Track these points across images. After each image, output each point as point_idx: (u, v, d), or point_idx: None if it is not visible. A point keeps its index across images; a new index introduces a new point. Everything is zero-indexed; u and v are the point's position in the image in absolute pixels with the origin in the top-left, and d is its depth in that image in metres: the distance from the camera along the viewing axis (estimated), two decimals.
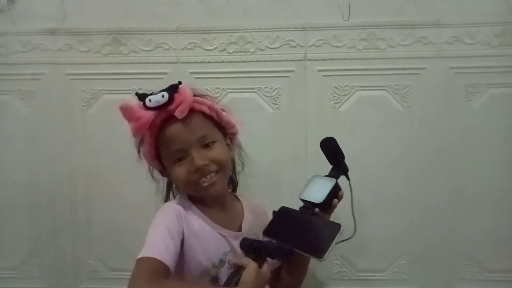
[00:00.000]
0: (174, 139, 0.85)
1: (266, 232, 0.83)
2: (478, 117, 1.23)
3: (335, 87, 1.24)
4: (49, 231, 1.33)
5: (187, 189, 0.91)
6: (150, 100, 0.82)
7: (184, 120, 0.84)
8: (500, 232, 1.24)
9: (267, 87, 1.26)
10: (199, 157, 0.85)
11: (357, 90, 1.24)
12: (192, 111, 0.85)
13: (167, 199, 1.04)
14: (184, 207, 0.90)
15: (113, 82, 1.29)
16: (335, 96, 1.25)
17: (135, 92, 0.88)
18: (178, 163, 0.86)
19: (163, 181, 1.05)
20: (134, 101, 0.85)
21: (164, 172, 0.95)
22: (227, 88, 1.25)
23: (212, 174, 0.87)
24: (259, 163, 1.25)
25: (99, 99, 1.29)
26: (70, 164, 1.31)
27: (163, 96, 0.82)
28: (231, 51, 1.26)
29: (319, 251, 0.76)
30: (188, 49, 1.26)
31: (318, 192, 0.90)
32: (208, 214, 0.91)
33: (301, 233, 0.82)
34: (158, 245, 0.80)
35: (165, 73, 1.27)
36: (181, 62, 1.27)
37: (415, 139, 1.24)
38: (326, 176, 0.95)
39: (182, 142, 0.85)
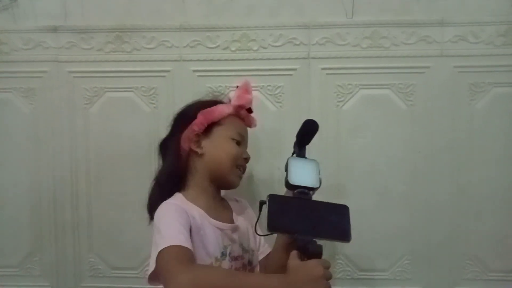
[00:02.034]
0: (243, 128, 1.05)
1: (272, 226, 0.76)
2: (482, 116, 1.22)
3: (339, 85, 1.24)
4: (50, 229, 1.32)
5: (225, 163, 0.97)
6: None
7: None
8: (503, 232, 1.24)
9: (270, 86, 1.25)
10: (247, 153, 1.04)
11: (361, 88, 1.24)
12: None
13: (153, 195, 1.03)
14: (183, 204, 0.92)
15: (116, 79, 1.28)
16: (338, 95, 1.24)
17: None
18: (235, 143, 0.99)
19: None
20: None
21: (197, 137, 0.98)
22: (230, 86, 1.24)
23: (243, 173, 1.03)
24: (262, 161, 1.25)
25: (101, 96, 1.29)
26: (72, 162, 1.31)
27: None
28: (234, 49, 1.25)
29: (344, 235, 0.77)
30: (191, 47, 1.26)
31: (308, 175, 0.86)
32: (204, 209, 0.94)
33: (315, 220, 0.79)
34: (176, 235, 0.82)
35: (168, 71, 1.27)
36: (184, 60, 1.26)
37: (419, 138, 1.24)
38: (299, 157, 0.90)
39: (246, 135, 1.05)
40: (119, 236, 1.30)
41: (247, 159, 1.02)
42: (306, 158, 0.91)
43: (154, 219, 0.90)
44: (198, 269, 0.78)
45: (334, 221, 0.80)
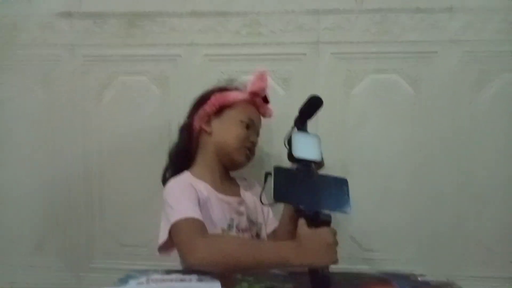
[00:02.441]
0: (254, 114, 1.08)
1: (278, 196, 0.77)
2: (489, 102, 1.23)
3: (348, 70, 1.25)
4: (64, 209, 1.36)
5: (233, 143, 1.01)
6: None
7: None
8: (507, 217, 1.25)
9: (279, 70, 1.27)
10: (256, 138, 1.07)
11: (369, 73, 1.25)
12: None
13: (167, 170, 1.07)
14: (190, 180, 0.96)
15: (128, 64, 1.31)
16: (347, 80, 1.26)
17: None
18: (243, 126, 1.03)
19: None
20: None
21: (208, 116, 1.04)
22: (239, 71, 1.26)
23: (250, 155, 1.05)
24: (271, 145, 1.27)
25: (114, 81, 1.32)
26: (85, 144, 1.34)
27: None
28: (244, 33, 1.27)
29: (345, 206, 0.80)
30: (202, 31, 1.28)
31: (311, 149, 0.88)
32: (211, 184, 0.98)
33: (318, 192, 0.81)
34: (187, 208, 0.86)
35: (179, 55, 1.29)
36: (195, 44, 1.29)
37: (425, 122, 1.25)
38: (302, 131, 0.93)
39: (257, 121, 1.08)
40: (130, 216, 1.34)
41: (253, 143, 1.05)
42: (308, 132, 0.93)
43: (163, 196, 0.94)
44: (214, 239, 0.82)
45: (335, 193, 0.82)
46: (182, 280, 0.78)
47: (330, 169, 1.26)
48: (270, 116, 1.13)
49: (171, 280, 0.78)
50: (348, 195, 0.81)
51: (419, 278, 0.82)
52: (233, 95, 1.04)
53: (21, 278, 1.38)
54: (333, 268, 0.77)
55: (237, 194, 1.04)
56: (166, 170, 1.05)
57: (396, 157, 1.27)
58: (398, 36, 1.24)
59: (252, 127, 1.05)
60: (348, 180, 1.24)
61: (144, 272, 0.84)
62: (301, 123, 0.94)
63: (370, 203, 1.27)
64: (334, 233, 0.76)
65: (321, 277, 0.71)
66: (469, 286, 1.19)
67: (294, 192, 0.80)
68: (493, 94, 1.23)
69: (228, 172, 1.08)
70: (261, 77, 1.05)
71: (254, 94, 1.05)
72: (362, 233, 1.28)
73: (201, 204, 0.91)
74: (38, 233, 1.38)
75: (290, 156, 0.87)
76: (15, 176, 1.37)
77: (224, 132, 1.02)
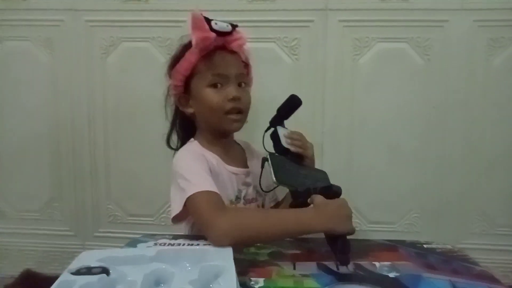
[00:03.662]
0: (220, 64, 0.90)
1: (279, 179, 0.82)
2: (499, 72, 1.21)
3: (356, 38, 1.23)
4: (69, 176, 1.37)
5: (213, 116, 0.92)
6: (216, 24, 0.87)
7: (232, 54, 0.92)
8: None
9: (286, 37, 1.25)
10: (236, 90, 0.90)
11: (378, 42, 1.23)
12: (238, 52, 0.93)
13: (169, 135, 1.05)
14: (200, 149, 0.94)
15: (132, 29, 1.29)
16: (355, 48, 1.23)
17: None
18: (213, 88, 0.90)
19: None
20: None
21: (182, 98, 0.96)
22: (246, 38, 1.23)
23: (240, 115, 0.93)
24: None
25: (118, 46, 1.30)
26: (90, 111, 1.34)
27: (227, 26, 0.89)
28: (250, 0, 1.24)
29: (335, 191, 0.82)
30: None
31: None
32: (219, 154, 0.95)
33: (309, 177, 0.85)
34: (203, 181, 0.83)
35: (184, 21, 1.26)
36: (201, 10, 1.25)
37: (434, 93, 1.23)
38: (282, 126, 0.97)
39: (226, 70, 0.90)
40: (136, 184, 1.35)
41: (235, 98, 0.90)
42: (287, 128, 0.97)
43: (174, 167, 0.90)
44: (235, 213, 0.80)
45: (322, 179, 0.87)
46: (190, 245, 0.79)
47: (335, 139, 1.27)
48: (243, 44, 0.94)
49: (180, 245, 0.79)
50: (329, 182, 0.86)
51: (425, 245, 0.83)
52: (185, 64, 0.91)
53: (28, 243, 1.41)
54: None
55: (244, 164, 1.01)
56: (169, 135, 1.03)
57: (403, 126, 1.26)
58: (408, 3, 1.21)
59: (225, 82, 0.91)
60: (354, 150, 1.26)
61: (152, 236, 0.84)
62: (280, 120, 0.96)
63: (375, 173, 1.27)
64: (347, 204, 0.77)
65: (342, 243, 0.73)
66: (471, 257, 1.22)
67: (290, 176, 0.84)
68: (504, 62, 1.21)
69: (231, 137, 1.03)
70: (194, 25, 0.86)
71: (201, 49, 0.88)
72: (367, 205, 1.29)
73: (212, 175, 0.88)
74: (43, 198, 1.39)
75: (281, 149, 0.91)
76: (18, 140, 1.37)
77: (200, 106, 0.93)
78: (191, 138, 0.99)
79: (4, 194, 1.41)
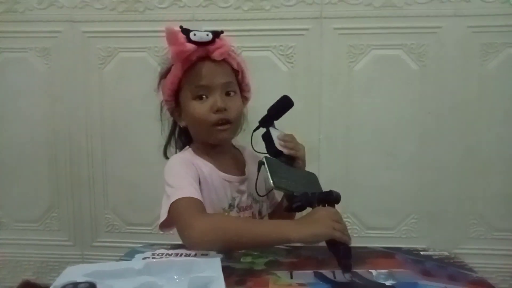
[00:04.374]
0: (203, 75, 0.88)
1: (276, 184, 0.80)
2: (493, 77, 1.22)
3: (351, 45, 1.24)
4: (67, 186, 1.38)
5: (200, 129, 0.91)
6: (195, 34, 0.84)
7: (216, 63, 0.88)
8: (509, 192, 1.26)
9: (282, 46, 1.26)
10: (221, 100, 0.88)
11: (373, 49, 1.24)
12: (224, 59, 0.89)
13: (167, 146, 1.02)
14: (192, 157, 0.93)
15: (129, 40, 1.30)
16: (350, 55, 1.25)
17: (177, 27, 0.88)
18: (198, 101, 0.88)
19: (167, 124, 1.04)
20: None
21: (175, 112, 0.95)
22: (242, 46, 1.23)
23: (227, 125, 0.90)
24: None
25: (115, 56, 1.31)
26: (87, 121, 1.34)
27: (207, 35, 0.85)
28: (246, 8, 1.25)
29: (329, 194, 0.80)
30: (203, 6, 1.26)
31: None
32: (212, 162, 0.94)
33: (303, 180, 0.86)
34: (186, 186, 0.83)
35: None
36: (196, 20, 1.27)
37: (429, 98, 1.25)
38: (274, 128, 0.94)
39: (210, 80, 0.88)
40: (134, 193, 1.35)
41: (220, 109, 0.87)
42: (278, 130, 0.95)
43: (164, 174, 0.90)
44: (212, 217, 0.81)
45: (314, 182, 0.88)
46: (186, 255, 0.79)
47: (332, 144, 1.28)
48: (225, 51, 0.88)
49: (176, 255, 0.79)
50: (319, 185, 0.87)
51: (422, 252, 0.83)
52: (171, 79, 0.89)
53: (26, 253, 1.41)
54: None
55: (241, 170, 0.99)
56: (166, 146, 1.03)
57: (399, 132, 1.27)
58: (402, 10, 1.22)
59: (209, 93, 0.88)
60: (350, 155, 1.26)
61: (150, 247, 0.85)
62: (270, 121, 0.94)
63: (372, 179, 1.28)
64: (336, 212, 0.75)
65: (344, 249, 0.73)
66: (469, 262, 1.21)
67: (287, 179, 0.83)
68: (498, 67, 1.22)
69: (229, 145, 1.01)
70: (169, 39, 0.84)
71: (183, 62, 0.86)
72: (364, 211, 1.30)
73: (202, 183, 0.88)
74: (41, 208, 1.40)
75: (273, 150, 0.89)
76: (16, 149, 1.37)
77: (189, 119, 0.91)
78: (186, 144, 0.98)
79: (1, 204, 1.41)
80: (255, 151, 0.93)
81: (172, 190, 0.83)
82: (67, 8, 1.30)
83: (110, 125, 1.34)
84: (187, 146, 0.98)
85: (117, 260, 0.77)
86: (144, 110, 1.30)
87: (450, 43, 1.22)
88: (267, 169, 0.82)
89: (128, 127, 1.33)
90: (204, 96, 0.88)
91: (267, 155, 0.89)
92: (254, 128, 0.94)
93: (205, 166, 0.92)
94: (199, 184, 0.88)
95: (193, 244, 0.73)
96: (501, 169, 1.25)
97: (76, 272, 0.62)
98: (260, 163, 0.85)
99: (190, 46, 0.83)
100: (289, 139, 0.92)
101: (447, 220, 1.29)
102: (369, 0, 1.22)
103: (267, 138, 0.91)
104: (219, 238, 0.74)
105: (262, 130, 0.92)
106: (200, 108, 0.88)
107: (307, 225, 0.73)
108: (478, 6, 1.20)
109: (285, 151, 0.89)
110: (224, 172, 0.95)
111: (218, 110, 0.87)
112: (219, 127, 0.89)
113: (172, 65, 0.89)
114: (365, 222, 1.31)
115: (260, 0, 1.24)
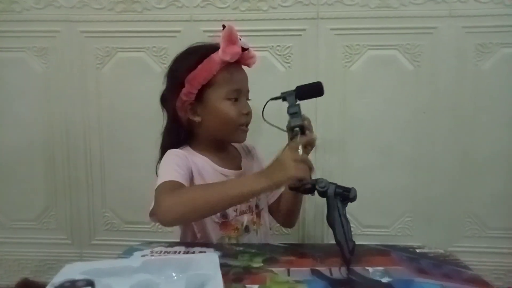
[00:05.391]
0: (239, 79, 0.95)
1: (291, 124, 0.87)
2: (488, 77, 1.24)
3: (347, 46, 1.25)
4: (64, 185, 1.38)
5: (226, 127, 0.94)
6: (240, 39, 0.91)
7: (245, 70, 0.98)
8: (503, 191, 1.27)
9: (279, 46, 1.27)
10: (248, 105, 0.96)
11: (369, 49, 1.25)
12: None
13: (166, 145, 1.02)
14: (187, 152, 0.95)
15: (127, 40, 1.30)
16: (346, 55, 1.26)
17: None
18: (231, 102, 0.93)
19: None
20: None
21: (190, 106, 0.94)
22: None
23: (247, 128, 0.97)
24: (270, 121, 1.27)
25: (113, 56, 1.31)
26: (84, 121, 1.35)
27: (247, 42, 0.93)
28: (243, 9, 1.26)
29: None
30: (201, 7, 1.27)
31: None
32: (210, 158, 0.97)
33: None
34: (171, 172, 0.86)
35: (178, 31, 1.28)
36: (194, 20, 1.28)
37: (424, 98, 1.26)
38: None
39: (243, 85, 0.96)
40: (131, 191, 1.35)
41: (249, 113, 0.95)
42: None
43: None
44: (180, 190, 0.81)
45: None
46: (185, 253, 0.80)
47: (328, 144, 1.29)
48: (254, 63, 0.98)
49: (174, 253, 0.80)
50: None
51: (417, 250, 0.85)
52: (205, 73, 0.90)
53: (24, 252, 1.41)
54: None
55: (237, 166, 1.01)
56: (162, 145, 1.00)
57: (394, 131, 1.28)
58: (397, 11, 1.23)
59: (240, 97, 0.94)
60: (346, 155, 1.28)
61: (149, 244, 0.86)
62: (294, 99, 0.93)
63: (367, 178, 1.29)
64: (295, 149, 0.79)
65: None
66: (464, 260, 1.22)
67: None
68: (492, 67, 1.23)
69: (227, 143, 1.03)
70: (229, 38, 0.89)
71: (226, 62, 0.90)
72: (360, 209, 1.30)
73: (195, 176, 0.91)
74: (39, 207, 1.40)
75: (296, 124, 0.88)
76: (13, 150, 1.37)
77: (213, 117, 0.93)
78: (178, 145, 0.98)
79: None
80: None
81: (158, 179, 0.86)
82: (64, 7, 1.30)
83: (108, 125, 1.34)
84: (186, 145, 0.99)
85: (115, 258, 0.78)
86: (142, 110, 1.31)
87: (445, 43, 1.23)
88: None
89: (126, 127, 1.33)
90: (234, 99, 0.93)
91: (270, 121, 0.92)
92: (273, 97, 0.93)
93: (200, 160, 0.95)
94: (192, 176, 0.90)
95: (162, 221, 0.78)
96: (495, 169, 1.27)
97: (74, 270, 0.64)
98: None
99: (240, 49, 0.91)
100: (309, 120, 0.94)
101: (442, 219, 1.30)
102: (365, 1, 1.23)
103: (296, 110, 0.90)
104: (189, 209, 0.77)
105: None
106: (232, 109, 0.93)
107: (270, 174, 0.77)
108: (473, 7, 1.21)
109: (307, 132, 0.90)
110: (221, 166, 0.97)
111: (247, 114, 0.95)
112: (244, 128, 0.96)
113: (202, 59, 0.90)
114: (361, 220, 1.32)
115: (257, 1, 1.25)
